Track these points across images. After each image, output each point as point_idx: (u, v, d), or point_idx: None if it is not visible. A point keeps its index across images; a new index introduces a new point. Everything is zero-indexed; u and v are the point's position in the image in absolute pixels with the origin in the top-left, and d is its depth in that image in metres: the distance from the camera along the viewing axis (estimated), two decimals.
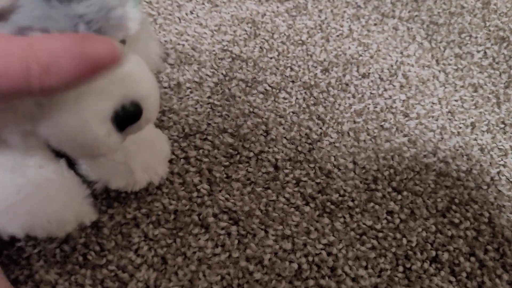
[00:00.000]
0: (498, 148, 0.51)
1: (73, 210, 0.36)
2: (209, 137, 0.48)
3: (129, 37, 0.30)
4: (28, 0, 0.25)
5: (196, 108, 0.50)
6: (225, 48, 0.56)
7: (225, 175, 0.46)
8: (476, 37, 0.63)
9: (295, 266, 0.41)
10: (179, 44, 0.55)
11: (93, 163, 0.39)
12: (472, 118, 0.54)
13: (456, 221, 0.45)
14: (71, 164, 0.38)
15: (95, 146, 0.30)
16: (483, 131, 0.53)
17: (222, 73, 0.53)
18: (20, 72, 0.22)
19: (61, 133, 0.29)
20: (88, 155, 0.32)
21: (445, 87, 0.56)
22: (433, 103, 0.55)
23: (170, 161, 0.45)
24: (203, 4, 0.60)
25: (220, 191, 0.44)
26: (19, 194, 0.33)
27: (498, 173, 0.50)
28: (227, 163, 0.46)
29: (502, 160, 0.51)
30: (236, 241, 0.42)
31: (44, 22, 0.25)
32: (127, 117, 0.30)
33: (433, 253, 0.43)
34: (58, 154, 0.36)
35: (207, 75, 0.53)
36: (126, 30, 0.29)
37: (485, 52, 0.61)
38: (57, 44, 0.23)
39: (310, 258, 0.42)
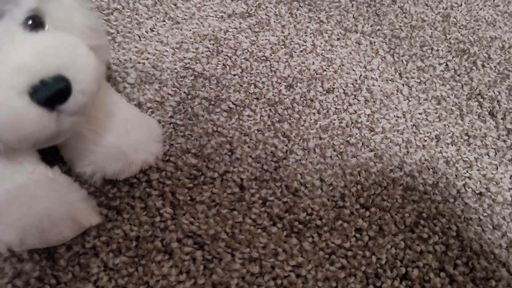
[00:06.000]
0: (463, 160, 0.52)
1: (64, 209, 0.35)
2: (172, 158, 0.46)
3: (43, 13, 0.30)
4: None
5: None
6: (187, 66, 0.55)
7: (189, 198, 0.44)
8: (437, 50, 0.63)
9: None
10: (139, 62, 0.53)
11: (85, 153, 0.38)
12: (437, 130, 0.54)
13: (425, 236, 0.45)
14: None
15: (17, 123, 0.28)
16: (448, 144, 0.53)
17: (184, 92, 0.52)
18: None
19: None
20: (20, 137, 0.30)
21: (409, 100, 0.56)
22: (398, 117, 0.55)
23: (132, 185, 0.43)
24: (164, 21, 0.59)
25: (184, 214, 0.43)
26: (8, 198, 0.33)
27: (464, 185, 0.50)
28: (191, 185, 0.45)
29: (467, 172, 0.51)
30: (202, 267, 0.40)
31: None
32: (51, 92, 0.29)
33: (403, 270, 0.43)
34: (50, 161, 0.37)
35: (168, 94, 0.51)
36: (20, 6, 0.29)
37: (446, 65, 0.62)
38: None
39: (279, 281, 0.40)
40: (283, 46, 0.60)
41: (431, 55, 0.63)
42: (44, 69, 0.28)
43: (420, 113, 0.55)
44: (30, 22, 0.30)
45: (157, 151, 0.42)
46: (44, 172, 0.36)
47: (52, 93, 0.28)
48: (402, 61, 0.61)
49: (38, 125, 0.29)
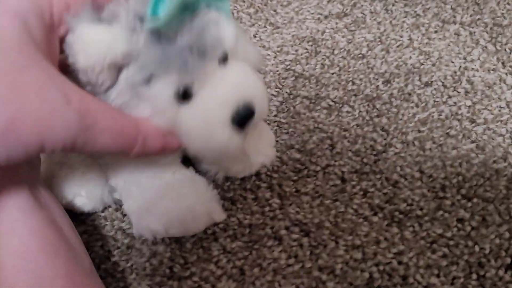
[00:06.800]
0: None
1: (204, 207, 0.42)
2: (278, 154, 0.51)
3: (230, 49, 0.35)
4: (144, 46, 0.31)
5: None
6: (288, 67, 0.59)
7: (294, 189, 0.48)
8: None
9: (367, 275, 0.42)
10: None
11: None
12: None
13: None
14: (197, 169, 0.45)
15: (223, 148, 0.35)
16: None
17: (286, 92, 0.56)
18: (131, 137, 0.33)
19: (195, 142, 0.36)
20: (219, 158, 0.39)
21: None
22: (501, 107, 0.54)
23: (243, 179, 0.48)
24: (265, 27, 0.64)
25: (290, 204, 0.47)
26: (158, 194, 0.40)
27: None
28: (295, 178, 0.49)
29: None
30: (308, 252, 0.44)
31: (160, 65, 0.32)
32: (244, 118, 0.35)
33: (508, 260, 0.43)
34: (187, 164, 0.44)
35: (272, 94, 0.56)
36: (224, 46, 0.34)
37: None
38: (152, 128, 0.34)
39: (381, 267, 0.43)
40: (379, 43, 0.61)
41: None
42: (240, 100, 0.35)
43: None
44: (222, 58, 0.35)
45: (272, 155, 0.48)
46: (185, 172, 0.42)
47: (246, 119, 0.35)
48: (505, 50, 0.60)
49: (237, 146, 0.36)
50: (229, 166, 0.45)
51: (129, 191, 0.42)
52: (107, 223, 0.46)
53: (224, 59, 0.35)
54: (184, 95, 0.34)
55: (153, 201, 0.40)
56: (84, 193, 0.44)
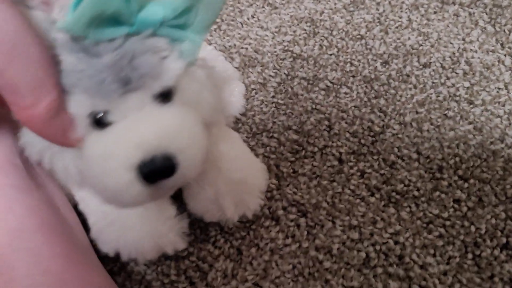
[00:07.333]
0: None
1: (152, 241, 0.38)
2: (275, 135, 0.50)
3: (175, 87, 0.30)
4: (62, 50, 0.27)
5: (261, 108, 0.53)
6: (286, 48, 0.58)
7: (291, 170, 0.48)
8: None
9: (363, 255, 0.43)
10: (242, 48, 0.58)
11: (190, 197, 0.41)
12: None
13: None
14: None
15: (117, 192, 0.29)
16: None
17: (284, 73, 0.56)
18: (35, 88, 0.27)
19: (90, 173, 0.30)
20: (111, 201, 0.31)
21: None
22: (499, 89, 0.54)
23: None
24: (263, 7, 0.63)
25: (287, 185, 0.47)
26: (105, 221, 0.37)
27: None
28: (293, 159, 0.49)
29: None
30: (305, 232, 0.44)
31: (75, 77, 0.27)
32: (156, 170, 0.28)
33: (504, 240, 0.43)
34: None
35: (270, 75, 0.56)
36: (160, 81, 0.29)
37: None
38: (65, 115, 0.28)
39: (378, 247, 0.43)
40: (378, 24, 0.61)
41: None
42: (159, 148, 0.28)
43: None
44: (161, 95, 0.30)
45: (256, 206, 0.42)
46: None
47: (158, 171, 0.29)
48: (504, 31, 0.59)
49: (136, 198, 0.30)
50: (202, 214, 0.42)
51: (83, 207, 0.39)
52: None
53: (164, 96, 0.30)
54: (99, 121, 0.29)
55: (102, 226, 0.38)
56: None
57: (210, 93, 0.33)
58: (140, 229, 0.38)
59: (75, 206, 0.39)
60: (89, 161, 0.29)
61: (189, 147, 0.30)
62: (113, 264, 0.43)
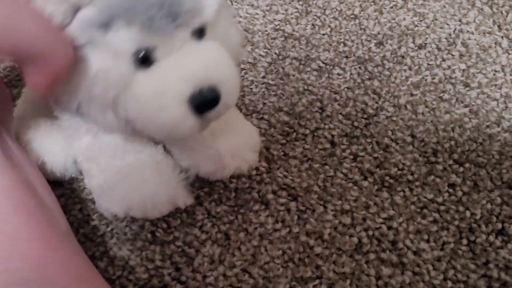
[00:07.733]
0: None
1: (167, 193, 0.38)
2: (265, 116, 0.49)
3: (208, 24, 0.32)
4: None
5: (251, 89, 0.51)
6: (277, 27, 0.56)
7: (282, 153, 0.46)
8: None
9: (355, 240, 0.41)
10: None
11: (184, 147, 0.41)
12: None
13: None
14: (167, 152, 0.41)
15: (173, 127, 0.32)
16: None
17: (275, 53, 0.54)
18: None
19: (142, 112, 0.32)
20: (167, 135, 0.34)
21: (509, 54, 0.54)
22: (496, 71, 0.52)
23: None
24: None
25: (278, 168, 0.45)
26: (118, 176, 0.37)
27: None
28: (283, 141, 0.47)
29: None
30: (296, 217, 0.43)
31: (123, 12, 0.28)
32: (204, 101, 0.31)
33: (499, 225, 0.42)
34: (155, 142, 0.40)
35: (260, 55, 0.54)
36: (201, 17, 0.31)
37: None
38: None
39: (370, 232, 0.42)
40: (372, 3, 0.59)
41: None
42: (206, 80, 0.31)
43: None
44: (196, 31, 0.32)
45: (252, 160, 0.43)
46: (151, 153, 0.39)
47: (206, 102, 0.31)
48: (501, 12, 0.58)
49: (190, 130, 0.32)
50: (199, 164, 0.41)
51: (89, 168, 0.39)
52: (85, 186, 0.44)
53: (199, 32, 0.32)
54: (144, 59, 0.30)
55: (113, 183, 0.37)
56: (46, 160, 0.41)
57: (236, 30, 0.36)
58: (157, 180, 0.38)
59: (53, 189, 0.37)
60: (141, 100, 0.31)
61: (229, 78, 0.32)
62: (95, 249, 0.41)
